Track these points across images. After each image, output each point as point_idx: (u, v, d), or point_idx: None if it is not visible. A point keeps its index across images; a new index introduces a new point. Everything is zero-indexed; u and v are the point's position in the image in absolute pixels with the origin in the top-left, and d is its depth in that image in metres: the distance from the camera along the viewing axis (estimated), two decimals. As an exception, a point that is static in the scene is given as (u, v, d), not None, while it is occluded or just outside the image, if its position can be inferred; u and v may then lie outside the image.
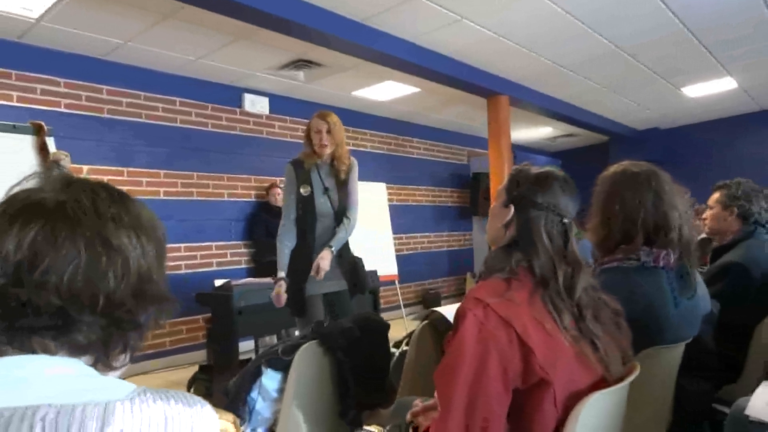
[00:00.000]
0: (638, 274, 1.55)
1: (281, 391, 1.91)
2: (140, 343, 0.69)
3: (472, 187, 8.47)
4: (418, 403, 1.44)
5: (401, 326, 6.05)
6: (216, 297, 4.06)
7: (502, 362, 1.08)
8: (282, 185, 5.56)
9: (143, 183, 4.94)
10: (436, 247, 8.26)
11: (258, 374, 1.96)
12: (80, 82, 4.61)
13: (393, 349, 2.40)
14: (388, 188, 7.10)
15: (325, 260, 2.72)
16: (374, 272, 4.96)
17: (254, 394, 1.95)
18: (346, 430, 2.06)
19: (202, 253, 5.32)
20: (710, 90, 6.64)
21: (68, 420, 0.54)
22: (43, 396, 0.55)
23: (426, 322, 2.10)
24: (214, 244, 5.42)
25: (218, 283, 4.25)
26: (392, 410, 1.66)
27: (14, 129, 3.67)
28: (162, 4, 3.79)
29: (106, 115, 4.75)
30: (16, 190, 0.64)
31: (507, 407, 1.10)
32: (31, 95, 4.33)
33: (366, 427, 2.14)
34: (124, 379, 0.65)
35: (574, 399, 1.10)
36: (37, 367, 0.58)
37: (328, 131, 2.76)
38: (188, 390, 3.95)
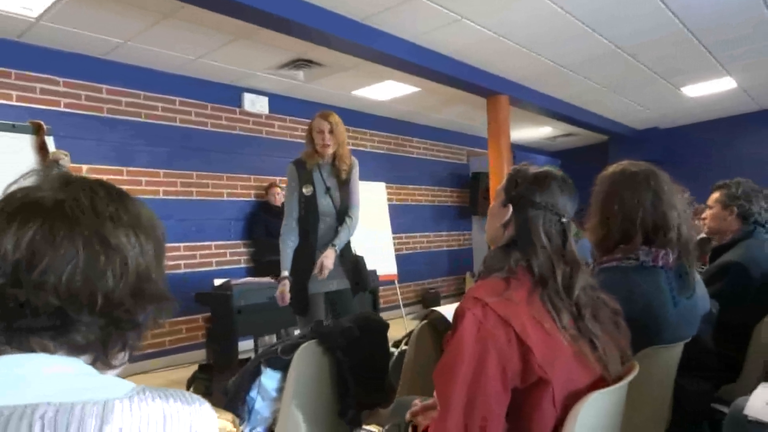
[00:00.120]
0: (637, 273, 1.56)
1: (280, 390, 1.91)
2: (139, 342, 0.69)
3: (471, 187, 8.47)
4: (417, 403, 1.44)
5: (401, 326, 6.05)
6: (215, 296, 4.06)
7: (501, 361, 1.08)
8: (281, 185, 5.61)
9: (143, 182, 4.94)
10: (436, 247, 8.26)
11: (257, 373, 1.96)
12: (80, 82, 4.61)
13: (392, 349, 2.40)
14: (387, 188, 7.10)
15: (328, 259, 2.74)
16: (374, 272, 4.96)
17: (253, 393, 1.95)
18: (346, 429, 2.06)
19: (202, 252, 5.32)
20: (710, 90, 6.65)
21: (67, 418, 0.54)
22: (42, 394, 0.55)
23: (425, 321, 2.10)
24: (213, 243, 5.42)
25: (218, 282, 4.25)
26: (391, 410, 1.66)
27: (14, 128, 3.67)
28: (162, 3, 3.79)
29: (105, 115, 4.75)
30: (13, 188, 0.64)
31: (506, 406, 1.10)
32: (30, 94, 4.33)
33: (365, 427, 2.14)
34: (123, 377, 0.65)
35: (573, 398, 1.10)
36: (36, 366, 0.58)
37: (330, 131, 2.77)
38: (188, 389, 3.94)
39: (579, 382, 1.14)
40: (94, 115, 4.67)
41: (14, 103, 4.22)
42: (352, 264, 2.95)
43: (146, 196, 4.87)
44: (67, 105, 4.53)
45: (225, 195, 5.56)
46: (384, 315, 5.58)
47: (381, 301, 6.00)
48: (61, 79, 4.50)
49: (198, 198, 5.33)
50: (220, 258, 5.46)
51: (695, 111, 7.75)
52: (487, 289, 1.17)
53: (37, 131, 3.66)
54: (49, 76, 4.43)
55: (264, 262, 5.21)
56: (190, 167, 5.29)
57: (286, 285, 2.79)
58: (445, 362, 1.13)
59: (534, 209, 1.25)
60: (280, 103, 6.10)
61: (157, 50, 4.64)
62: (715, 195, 2.44)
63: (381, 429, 1.79)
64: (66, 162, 3.42)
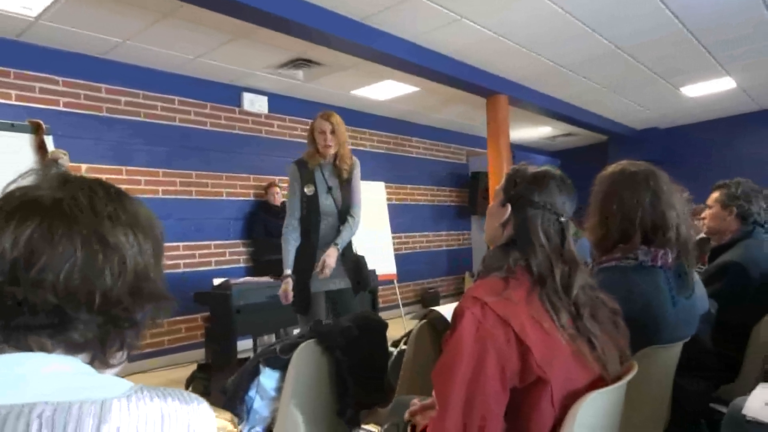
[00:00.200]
0: (636, 273, 1.56)
1: (279, 389, 1.91)
2: (137, 341, 0.69)
3: (471, 187, 8.47)
4: (416, 402, 1.43)
5: (400, 325, 6.05)
6: (214, 296, 4.05)
7: (500, 361, 1.08)
8: (281, 184, 5.61)
9: (142, 182, 4.94)
10: (435, 247, 8.26)
11: (256, 373, 1.96)
12: (79, 81, 4.60)
13: (391, 348, 2.40)
14: (387, 187, 7.10)
15: (331, 258, 2.76)
16: (373, 271, 4.96)
17: (252, 392, 1.95)
18: (344, 428, 2.06)
19: (201, 252, 5.32)
20: (709, 90, 6.65)
21: (65, 417, 0.54)
22: (40, 393, 0.55)
23: (424, 321, 2.10)
24: (212, 243, 5.41)
25: (217, 282, 4.25)
26: (390, 409, 1.66)
27: (13, 127, 3.66)
28: (161, 2, 3.78)
29: (104, 114, 4.75)
30: (12, 187, 0.64)
31: (504, 406, 1.10)
32: (29, 94, 4.33)
33: (364, 426, 2.14)
34: (122, 377, 0.65)
35: (572, 398, 1.10)
36: (34, 365, 0.58)
37: (332, 131, 2.80)
38: (186, 388, 3.94)
39: (578, 381, 1.14)
40: (93, 115, 4.67)
41: (13, 102, 4.22)
42: (353, 263, 2.96)
43: (145, 195, 4.87)
44: (66, 104, 4.52)
45: (224, 194, 5.56)
46: (383, 314, 5.58)
47: (380, 300, 6.00)
48: (60, 79, 4.50)
49: (197, 197, 5.33)
50: (219, 257, 5.46)
51: (695, 111, 7.75)
52: (486, 288, 1.17)
53: (36, 130, 3.65)
54: (48, 76, 4.43)
55: (263, 262, 5.21)
56: (190, 167, 5.29)
57: (289, 283, 2.80)
58: (444, 362, 1.13)
59: (532, 209, 1.25)
60: (279, 103, 6.10)
61: (156, 49, 4.63)
62: (715, 195, 2.44)
63: (380, 428, 1.79)
64: (65, 161, 3.41)
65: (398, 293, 6.80)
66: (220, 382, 3.61)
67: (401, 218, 7.48)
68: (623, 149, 8.25)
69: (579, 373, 1.14)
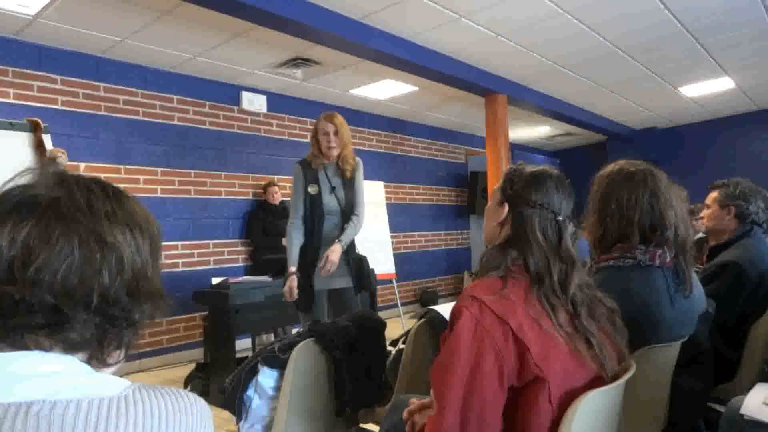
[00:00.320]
0: (634, 272, 1.56)
1: (278, 389, 1.91)
2: (135, 340, 0.69)
3: (469, 186, 8.48)
4: (414, 401, 1.43)
5: (399, 324, 6.05)
6: (213, 295, 4.05)
7: (498, 360, 1.08)
8: (280, 183, 5.61)
9: (140, 181, 4.94)
10: (434, 246, 8.26)
11: (254, 372, 1.96)
12: (77, 80, 4.60)
13: (390, 348, 2.40)
14: (385, 187, 7.10)
15: (334, 253, 2.79)
16: (372, 270, 4.96)
17: (250, 392, 1.95)
18: (343, 427, 2.06)
19: (200, 251, 5.32)
20: (708, 90, 6.66)
21: (62, 416, 0.54)
22: (37, 392, 0.55)
23: (423, 320, 2.10)
24: (211, 242, 5.41)
25: (215, 281, 4.24)
26: (388, 408, 1.66)
27: (11, 126, 3.65)
28: (160, 1, 3.78)
29: (103, 113, 4.74)
30: (9, 186, 0.64)
31: (502, 405, 1.10)
32: (27, 92, 4.32)
33: (362, 425, 2.14)
34: (120, 376, 0.65)
35: (570, 397, 1.11)
36: (31, 364, 0.58)
37: (335, 133, 2.86)
38: (185, 388, 3.95)
39: (576, 380, 1.14)
40: (91, 113, 4.67)
41: (11, 100, 4.21)
42: (356, 263, 2.99)
43: (144, 194, 4.87)
44: (64, 103, 4.52)
45: (223, 193, 5.55)
46: (382, 314, 5.58)
47: (379, 299, 5.99)
48: (58, 77, 4.49)
49: (196, 196, 5.32)
50: (217, 257, 5.46)
51: (693, 111, 7.76)
52: (484, 287, 1.17)
53: (35, 129, 3.64)
54: (46, 74, 4.42)
55: (262, 261, 5.21)
56: (188, 165, 5.29)
57: (293, 280, 2.83)
58: (442, 360, 1.13)
59: (530, 208, 1.26)
60: (278, 102, 6.10)
61: (155, 48, 4.63)
62: (713, 194, 2.44)
63: (378, 427, 1.79)
64: (63, 160, 3.41)
65: (397, 293, 6.80)
66: (219, 381, 3.61)
67: (400, 218, 7.48)
68: (622, 149, 8.27)
69: (577, 372, 1.15)
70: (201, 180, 5.38)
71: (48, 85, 4.43)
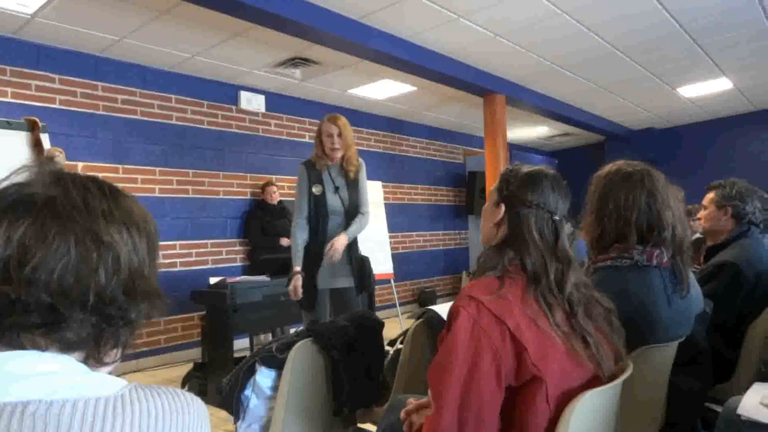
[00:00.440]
0: (631, 272, 1.56)
1: (275, 388, 1.90)
2: (132, 339, 0.69)
3: (468, 186, 8.48)
4: (412, 401, 1.44)
5: (397, 324, 6.06)
6: (211, 295, 4.05)
7: (495, 359, 1.08)
8: (278, 183, 5.61)
9: (138, 180, 4.93)
10: (432, 246, 8.26)
11: (252, 372, 1.96)
12: (75, 79, 4.59)
13: (387, 348, 2.40)
14: (383, 187, 7.10)
15: (339, 242, 2.84)
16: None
17: (248, 391, 1.95)
18: (340, 428, 2.06)
19: (198, 250, 5.31)
20: (706, 90, 6.67)
21: (58, 416, 0.54)
22: (33, 391, 0.55)
23: (421, 320, 2.10)
24: (209, 241, 5.41)
25: (213, 280, 4.24)
26: (386, 408, 1.66)
27: (8, 125, 3.64)
28: (158, 0, 3.78)
29: (101, 112, 4.73)
30: (5, 184, 0.64)
31: (500, 404, 1.10)
32: (25, 91, 4.31)
33: (360, 425, 2.14)
34: (117, 375, 0.65)
35: (567, 397, 1.11)
36: (29, 363, 0.58)
37: (339, 134, 2.90)
38: (182, 387, 3.94)
39: (573, 380, 1.14)
40: (89, 113, 4.66)
41: (9, 99, 4.21)
42: (358, 263, 3.02)
43: (142, 194, 4.86)
44: (62, 102, 4.51)
45: (221, 193, 5.55)
46: (380, 314, 5.58)
47: (377, 299, 6.00)
48: (56, 76, 4.48)
49: (194, 196, 5.32)
50: (215, 256, 5.45)
51: (691, 111, 7.78)
52: (481, 287, 1.17)
53: (32, 128, 3.64)
54: (44, 73, 4.42)
55: (260, 261, 5.20)
56: (186, 165, 5.28)
57: (298, 279, 2.87)
58: (440, 360, 1.13)
59: (526, 208, 1.26)
60: (276, 102, 6.10)
61: (153, 47, 4.62)
62: (710, 195, 2.45)
63: (375, 427, 1.79)
64: (61, 159, 3.41)
65: (395, 292, 6.80)
66: (217, 381, 3.61)
67: (398, 218, 7.48)
68: (620, 149, 8.28)
69: (574, 372, 1.15)
70: (199, 180, 5.37)
71: (46, 84, 4.42)
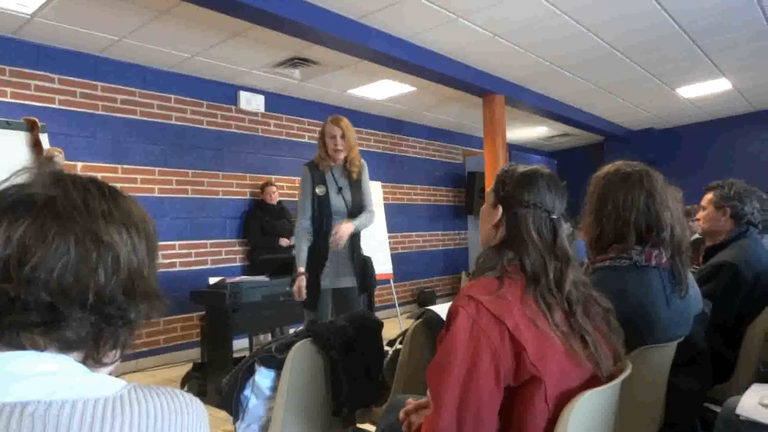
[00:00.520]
0: (630, 273, 1.56)
1: (275, 389, 1.90)
2: (131, 339, 0.69)
3: (467, 187, 8.48)
4: (411, 402, 1.44)
5: (396, 325, 6.06)
6: (210, 295, 4.05)
7: (494, 359, 1.08)
8: (277, 183, 5.61)
9: (138, 180, 4.93)
10: (432, 246, 8.27)
11: (251, 372, 1.96)
12: (75, 79, 4.59)
13: (387, 348, 2.40)
14: (383, 187, 7.10)
15: (346, 228, 2.85)
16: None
17: (247, 392, 1.95)
18: (339, 428, 2.06)
19: (197, 251, 5.31)
20: (705, 91, 6.68)
21: (57, 416, 0.54)
22: (32, 392, 0.55)
23: (420, 320, 2.10)
24: (208, 241, 5.41)
25: (213, 280, 4.24)
26: (385, 408, 1.66)
27: (8, 125, 3.64)
28: (158, 0, 3.78)
29: (100, 112, 4.73)
30: (6, 185, 0.64)
31: (499, 404, 1.11)
32: (25, 91, 4.31)
33: (359, 425, 2.14)
34: (117, 376, 0.65)
35: (566, 397, 1.11)
36: (27, 363, 0.58)
37: (342, 136, 2.93)
38: (182, 388, 3.94)
39: (572, 380, 1.14)
40: (88, 113, 4.66)
41: (9, 99, 4.21)
42: (361, 263, 3.04)
43: (141, 194, 4.86)
44: (61, 102, 4.51)
45: (220, 193, 5.55)
46: (379, 314, 5.58)
47: (376, 300, 6.00)
48: (56, 76, 4.48)
49: (193, 196, 5.32)
50: (215, 256, 5.45)
51: (691, 112, 7.78)
52: (480, 287, 1.18)
53: (32, 128, 3.63)
54: (43, 73, 4.42)
55: (259, 261, 5.20)
56: (186, 165, 5.28)
57: (302, 280, 2.90)
58: (438, 360, 1.13)
59: (523, 208, 1.27)
60: (276, 102, 6.10)
61: (152, 47, 4.62)
62: (709, 196, 2.45)
63: (375, 427, 1.79)
64: (60, 159, 3.40)
65: (394, 293, 6.80)
66: (216, 381, 3.61)
67: (398, 218, 7.49)
68: (619, 149, 8.28)
69: (573, 372, 1.15)
70: (198, 180, 5.37)
71: (45, 84, 4.42)
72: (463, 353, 1.09)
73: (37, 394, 0.55)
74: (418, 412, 1.37)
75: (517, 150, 9.47)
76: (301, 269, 2.92)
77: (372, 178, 3.23)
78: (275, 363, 1.91)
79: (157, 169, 5.07)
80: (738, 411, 1.40)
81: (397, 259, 7.06)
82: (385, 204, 6.96)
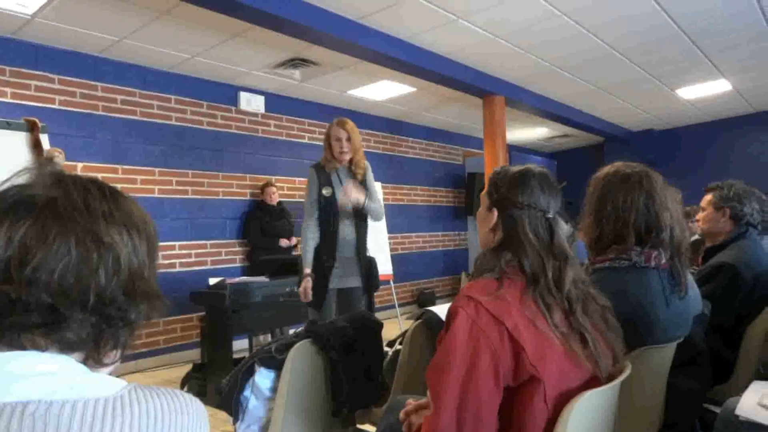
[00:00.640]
0: (629, 273, 1.56)
1: (274, 389, 1.91)
2: (131, 340, 0.69)
3: (467, 187, 8.48)
4: (411, 402, 1.44)
5: (396, 325, 6.06)
6: (210, 295, 4.05)
7: (494, 359, 1.09)
8: (277, 184, 5.61)
9: (138, 181, 4.93)
10: (431, 247, 8.27)
11: (251, 373, 1.96)
12: (75, 79, 4.59)
13: (386, 348, 2.40)
14: (383, 188, 7.11)
15: (359, 193, 2.92)
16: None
17: (247, 392, 1.95)
18: (339, 428, 2.06)
19: (197, 251, 5.31)
20: (705, 92, 6.68)
21: (57, 416, 0.54)
22: (34, 392, 0.56)
23: (420, 321, 2.11)
24: (208, 242, 5.41)
25: (213, 281, 4.24)
26: (385, 409, 1.66)
27: (8, 126, 3.64)
28: (158, 1, 3.78)
29: (100, 113, 4.73)
30: (6, 185, 0.64)
31: (498, 404, 1.11)
32: (25, 92, 4.31)
33: (359, 426, 2.14)
34: (117, 376, 0.65)
35: (565, 397, 1.11)
36: (27, 363, 0.58)
37: (348, 139, 3.00)
38: (182, 388, 3.94)
39: (571, 381, 1.15)
40: (88, 113, 4.66)
41: (9, 100, 4.21)
42: (366, 263, 3.11)
43: (141, 194, 4.86)
44: (62, 102, 4.51)
45: (220, 194, 5.55)
46: (379, 315, 5.58)
47: (376, 300, 5.99)
48: (56, 77, 4.48)
49: (193, 197, 5.32)
50: (215, 257, 5.45)
51: (690, 113, 7.79)
52: (480, 288, 1.18)
53: (32, 128, 3.64)
54: (44, 74, 4.42)
55: (259, 261, 5.21)
56: (186, 166, 5.28)
57: (309, 281, 2.94)
58: (438, 361, 1.14)
59: (518, 210, 1.27)
60: (276, 102, 6.10)
61: (153, 48, 4.62)
62: (708, 197, 2.45)
63: (375, 428, 1.79)
64: (60, 160, 3.40)
65: (394, 293, 6.80)
66: (216, 381, 3.61)
67: (397, 219, 7.49)
68: (619, 150, 8.28)
69: (572, 373, 1.15)
70: (198, 180, 5.37)
71: (45, 84, 4.42)
72: (463, 353, 1.09)
73: (37, 394, 0.55)
74: (417, 413, 1.38)
75: (516, 151, 9.47)
76: (308, 270, 2.96)
77: (372, 179, 3.24)
78: (275, 363, 1.92)
79: (157, 169, 5.07)
80: (737, 412, 1.40)
81: (396, 259, 7.06)
82: (385, 205, 6.94)
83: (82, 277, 0.61)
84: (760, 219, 2.37)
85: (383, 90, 6.16)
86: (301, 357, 1.89)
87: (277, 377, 1.90)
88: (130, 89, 4.93)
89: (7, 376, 0.56)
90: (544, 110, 6.73)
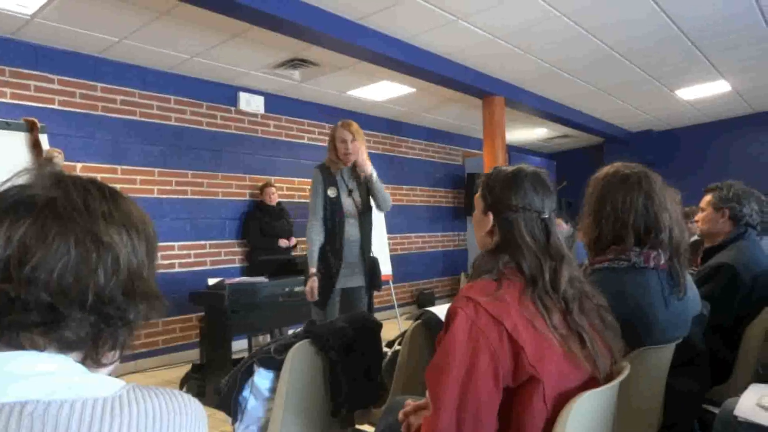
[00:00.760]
0: (628, 274, 1.57)
1: (273, 390, 1.90)
2: (130, 340, 0.69)
3: (466, 188, 8.48)
4: (410, 403, 1.44)
5: (395, 326, 6.05)
6: (209, 296, 4.05)
7: (493, 360, 1.09)
8: (276, 184, 5.61)
9: (137, 181, 4.93)
10: (431, 247, 8.27)
11: (250, 373, 1.96)
12: (74, 80, 4.59)
13: (386, 349, 2.40)
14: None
15: (369, 166, 3.04)
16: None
17: (246, 393, 1.95)
18: (338, 429, 2.06)
19: (196, 251, 5.31)
20: (704, 93, 6.69)
21: (56, 416, 0.54)
22: (31, 391, 0.56)
23: (419, 321, 2.11)
24: (208, 242, 5.40)
25: (212, 281, 4.24)
26: (384, 409, 1.66)
27: (7, 126, 3.64)
28: (157, 1, 3.78)
29: (100, 113, 4.73)
30: (6, 186, 0.64)
31: (497, 405, 1.11)
32: (24, 92, 4.31)
33: (358, 427, 2.14)
34: (116, 376, 0.65)
35: (564, 397, 1.11)
36: (26, 363, 0.58)
37: (353, 140, 3.04)
38: (181, 388, 3.93)
39: (570, 381, 1.15)
40: (88, 113, 4.66)
41: (8, 100, 4.21)
42: (370, 263, 3.16)
43: (141, 194, 4.86)
44: (61, 103, 4.51)
45: (220, 194, 5.55)
46: (378, 315, 5.58)
47: (375, 301, 5.99)
48: (55, 77, 4.48)
49: (192, 197, 5.32)
50: (214, 257, 5.45)
51: (690, 114, 7.79)
52: (478, 288, 1.18)
53: (31, 129, 3.63)
54: (43, 74, 4.42)
55: (258, 262, 5.21)
56: (185, 166, 5.28)
57: (315, 281, 2.97)
58: (437, 361, 1.14)
59: (513, 212, 1.27)
60: (275, 103, 6.10)
61: (152, 48, 4.62)
62: (707, 197, 2.45)
63: (374, 429, 1.79)
64: (59, 160, 3.40)
65: (393, 294, 6.80)
66: (215, 382, 3.61)
67: (397, 219, 7.48)
68: (619, 151, 8.28)
69: (571, 374, 1.15)
70: (198, 180, 5.37)
71: (45, 84, 4.42)
72: (462, 354, 1.10)
73: (36, 394, 0.55)
74: (417, 413, 1.38)
75: (516, 151, 9.47)
76: (313, 270, 2.99)
77: (372, 179, 3.25)
78: (274, 364, 1.91)
79: (156, 169, 5.07)
80: (736, 412, 1.40)
81: (396, 260, 7.06)
82: (384, 205, 6.95)
83: (81, 277, 0.61)
84: (759, 220, 2.37)
85: (383, 90, 6.17)
86: (300, 357, 1.89)
87: (276, 378, 1.90)
88: (129, 89, 4.93)
89: (5, 376, 0.56)
90: (544, 111, 6.74)
